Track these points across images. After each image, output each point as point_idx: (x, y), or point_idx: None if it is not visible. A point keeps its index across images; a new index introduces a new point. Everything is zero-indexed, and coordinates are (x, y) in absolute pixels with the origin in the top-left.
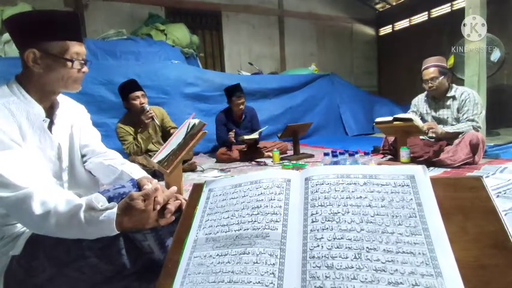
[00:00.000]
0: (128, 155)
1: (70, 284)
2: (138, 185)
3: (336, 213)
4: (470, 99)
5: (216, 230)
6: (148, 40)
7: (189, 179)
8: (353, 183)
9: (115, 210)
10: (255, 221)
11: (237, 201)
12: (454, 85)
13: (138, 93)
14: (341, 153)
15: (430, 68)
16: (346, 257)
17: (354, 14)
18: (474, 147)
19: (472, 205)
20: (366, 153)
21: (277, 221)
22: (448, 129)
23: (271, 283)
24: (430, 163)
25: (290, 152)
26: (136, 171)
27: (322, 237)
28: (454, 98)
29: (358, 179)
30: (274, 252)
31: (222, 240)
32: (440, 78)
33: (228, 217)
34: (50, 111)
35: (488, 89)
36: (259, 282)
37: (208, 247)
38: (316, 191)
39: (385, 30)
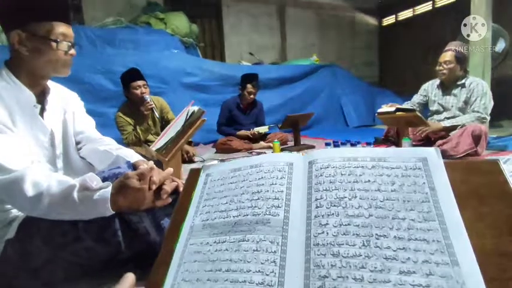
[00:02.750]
0: (126, 145)
1: (66, 268)
2: (134, 167)
3: (342, 198)
4: (478, 88)
5: (213, 216)
6: (147, 28)
7: (189, 169)
8: (360, 167)
9: (109, 189)
10: (255, 207)
11: (236, 185)
12: (469, 75)
13: (140, 82)
14: (343, 144)
15: (448, 51)
16: (354, 245)
17: (356, 3)
18: (476, 139)
19: (488, 189)
20: (368, 144)
21: (278, 207)
22: (444, 123)
23: (272, 272)
24: None
25: (290, 143)
26: (133, 155)
27: (327, 224)
28: (463, 86)
29: (366, 162)
30: (276, 239)
31: (219, 226)
32: (454, 64)
33: (226, 202)
34: (41, 97)
35: (492, 80)
36: (259, 271)
37: (205, 234)
38: (321, 175)
39: (388, 20)
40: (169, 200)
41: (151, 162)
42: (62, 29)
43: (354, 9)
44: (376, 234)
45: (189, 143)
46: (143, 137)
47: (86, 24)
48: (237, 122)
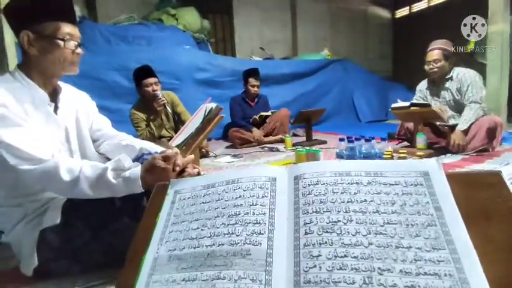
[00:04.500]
0: None
1: (104, 249)
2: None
3: (335, 222)
4: (465, 78)
5: (182, 245)
6: (159, 25)
7: (203, 164)
8: (355, 183)
9: (139, 167)
10: (232, 233)
11: (210, 206)
12: (455, 68)
13: (152, 80)
14: (357, 139)
15: (435, 50)
16: (353, 282)
17: None
18: (491, 132)
19: (493, 206)
20: (382, 139)
21: (260, 233)
22: (461, 127)
23: None
24: (446, 150)
25: (302, 138)
26: (155, 147)
27: (320, 255)
28: (451, 79)
29: (361, 178)
30: (258, 277)
31: (189, 259)
32: (443, 62)
33: (197, 228)
34: (54, 96)
35: (510, 73)
36: None
37: (172, 268)
38: (309, 193)
39: (402, 12)
40: None
41: (176, 149)
42: (68, 29)
43: (366, 2)
44: (379, 268)
45: None
46: (157, 133)
47: (100, 22)
48: (246, 115)
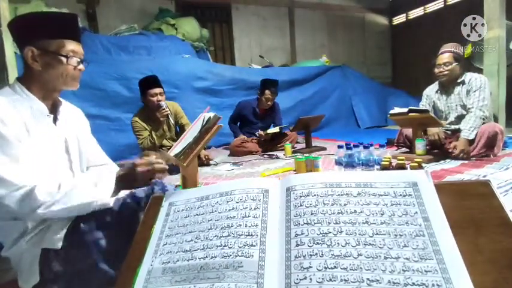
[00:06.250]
0: (142, 149)
1: (100, 280)
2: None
3: (326, 233)
4: (476, 83)
5: (175, 257)
6: (159, 35)
7: (203, 173)
8: (345, 194)
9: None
10: (224, 246)
11: (203, 218)
12: (467, 73)
13: (157, 90)
14: (355, 146)
15: (446, 53)
16: None
17: (366, 2)
18: (492, 140)
19: (483, 216)
20: (381, 146)
21: (252, 245)
22: (466, 136)
23: None
24: (445, 155)
25: (301, 145)
26: None
27: (310, 267)
28: (463, 83)
29: (351, 189)
30: None
31: (183, 271)
32: (454, 64)
33: (191, 240)
34: (53, 109)
35: (507, 78)
36: None
37: (166, 281)
38: (301, 205)
39: (399, 19)
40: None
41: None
42: (72, 46)
43: (363, 9)
44: (368, 279)
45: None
46: (158, 142)
47: (101, 32)
48: (252, 127)
